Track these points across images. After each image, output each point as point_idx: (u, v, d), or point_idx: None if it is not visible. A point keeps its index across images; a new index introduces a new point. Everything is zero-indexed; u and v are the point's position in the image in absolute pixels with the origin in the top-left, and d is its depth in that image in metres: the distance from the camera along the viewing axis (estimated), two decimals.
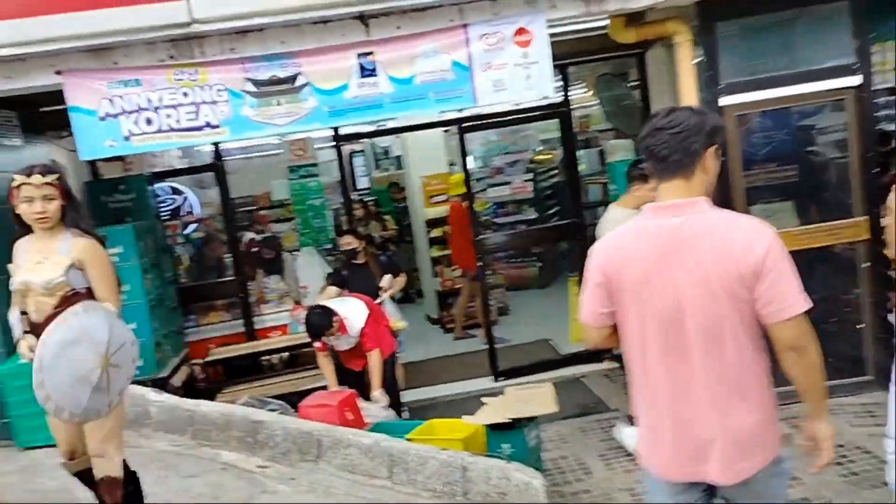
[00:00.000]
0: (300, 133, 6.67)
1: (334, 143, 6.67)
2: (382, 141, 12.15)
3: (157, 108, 4.42)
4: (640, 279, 2.08)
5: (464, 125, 6.58)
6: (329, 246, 7.95)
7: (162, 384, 5.36)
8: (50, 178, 3.02)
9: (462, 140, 6.51)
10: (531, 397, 4.17)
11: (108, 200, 5.97)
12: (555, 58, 4.80)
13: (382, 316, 5.55)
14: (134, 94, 4.39)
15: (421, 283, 9.52)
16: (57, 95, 4.40)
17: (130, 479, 3.24)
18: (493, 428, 3.99)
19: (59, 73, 4.31)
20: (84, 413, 2.97)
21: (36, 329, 3.04)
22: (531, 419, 4.00)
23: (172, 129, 4.45)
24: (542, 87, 4.73)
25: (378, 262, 6.13)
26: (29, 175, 3.00)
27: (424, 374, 7.02)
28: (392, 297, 6.05)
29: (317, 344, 5.07)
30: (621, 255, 2.14)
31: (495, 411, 4.01)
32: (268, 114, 4.51)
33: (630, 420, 4.68)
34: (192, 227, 7.34)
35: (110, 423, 3.09)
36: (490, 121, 6.86)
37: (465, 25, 4.59)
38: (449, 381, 6.74)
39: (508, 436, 3.93)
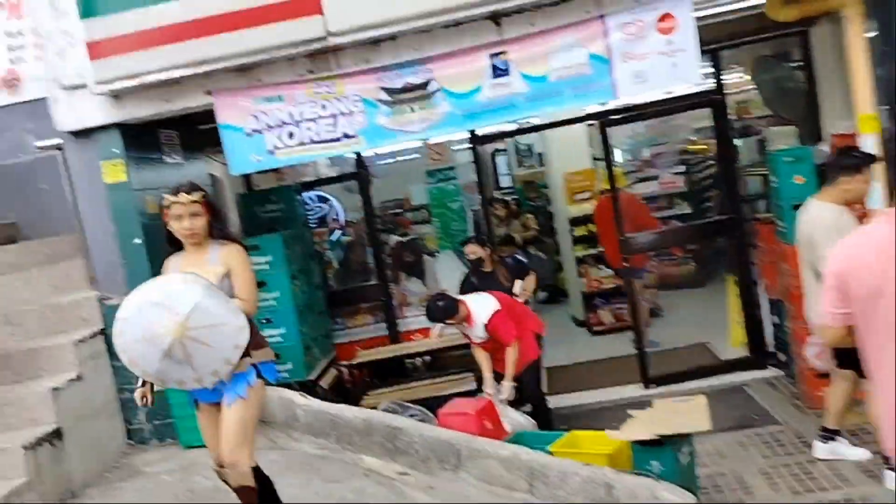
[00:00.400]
0: (437, 138, 6.69)
1: (471, 146, 6.60)
2: (526, 138, 12.00)
3: (298, 122, 4.56)
4: (872, 292, 1.99)
5: (608, 119, 6.30)
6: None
7: (311, 386, 5.55)
8: (196, 195, 3.16)
9: (604, 134, 6.22)
10: (683, 410, 3.87)
11: (260, 211, 6.27)
12: (704, 42, 4.47)
13: (526, 318, 5.42)
14: (277, 110, 4.56)
15: (566, 283, 9.27)
16: (210, 114, 4.66)
17: (265, 488, 3.23)
18: (641, 443, 3.74)
19: (209, 93, 4.56)
20: (157, 376, 2.98)
21: None
22: (683, 435, 3.71)
23: (313, 142, 4.58)
24: (688, 74, 4.43)
25: (505, 266, 6.01)
26: (176, 194, 3.15)
27: (568, 380, 6.80)
28: (526, 302, 5.91)
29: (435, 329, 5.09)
30: (855, 264, 2.06)
31: (643, 426, 3.75)
32: (401, 121, 4.52)
33: (825, 434, 4.30)
34: (337, 233, 7.59)
35: (241, 434, 3.12)
36: (635, 113, 6.50)
37: (602, 16, 4.37)
38: (595, 388, 6.47)
39: (657, 452, 3.66)
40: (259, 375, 3.18)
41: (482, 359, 5.27)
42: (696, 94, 5.96)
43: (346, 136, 4.54)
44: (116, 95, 4.58)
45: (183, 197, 3.14)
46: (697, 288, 9.09)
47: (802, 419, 4.93)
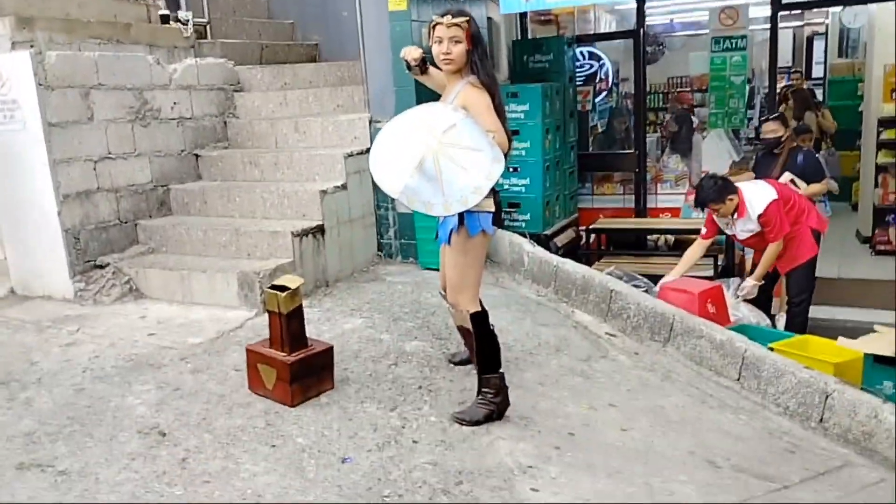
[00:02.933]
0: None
1: (770, 15, 5.85)
2: (856, 21, 10.32)
3: None
4: None
5: None
6: (741, 129, 7.24)
7: (545, 241, 5.68)
8: (459, 20, 3.05)
9: None
10: None
11: (529, 59, 6.26)
12: None
13: (806, 213, 4.92)
14: None
15: (859, 195, 8.17)
16: None
17: (483, 332, 3.14)
18: (877, 360, 3.33)
19: None
20: (406, 193, 2.84)
21: None
22: None
23: None
24: None
25: (794, 159, 5.41)
26: (442, 16, 3.08)
27: (832, 293, 6.19)
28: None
29: (705, 229, 4.88)
30: None
31: (883, 341, 3.33)
32: None
33: None
34: (603, 94, 7.35)
35: (456, 278, 3.10)
36: None
37: None
38: (858, 307, 5.81)
39: (893, 372, 3.25)
40: (474, 226, 3.01)
41: (689, 256, 4.95)
42: None
43: None
44: None
45: (447, 19, 3.05)
46: None
47: None
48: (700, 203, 4.79)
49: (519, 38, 6.71)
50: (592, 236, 6.32)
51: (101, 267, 4.81)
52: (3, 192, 4.72)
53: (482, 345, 3.12)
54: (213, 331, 4.09)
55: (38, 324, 4.28)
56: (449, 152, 2.81)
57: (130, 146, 5.04)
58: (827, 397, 3.25)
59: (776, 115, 5.66)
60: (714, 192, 4.63)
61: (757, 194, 4.68)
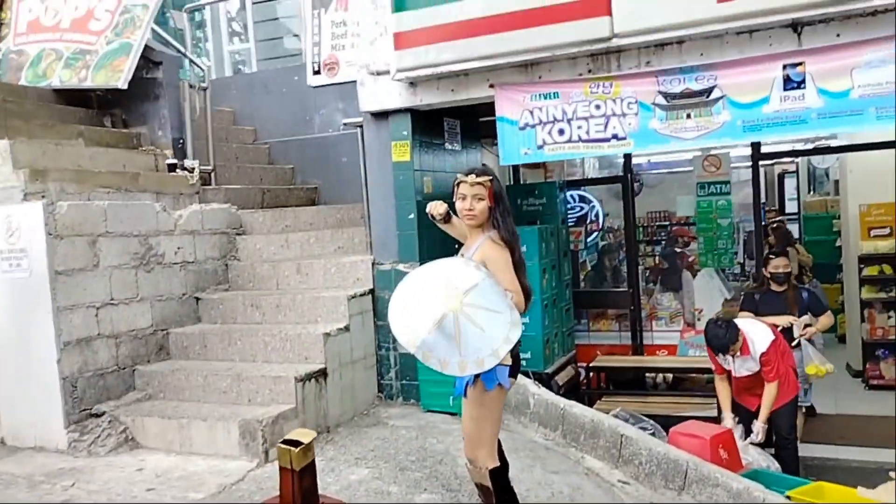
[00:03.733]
0: (716, 149, 6.38)
1: (751, 163, 6.19)
2: (823, 162, 10.94)
3: (569, 120, 4.66)
4: None
5: None
6: (731, 269, 7.47)
7: (547, 380, 5.66)
8: (482, 179, 3.18)
9: None
10: None
11: (524, 203, 6.51)
12: None
13: (789, 354, 5.05)
14: (551, 106, 4.71)
15: (846, 327, 8.32)
16: (489, 107, 4.95)
17: (503, 488, 3.16)
18: None
19: (491, 86, 4.84)
20: (423, 349, 2.85)
21: None
22: None
23: (581, 140, 4.65)
24: None
25: (799, 294, 5.56)
26: (467, 175, 3.22)
27: (827, 430, 6.19)
28: (810, 340, 5.43)
29: (713, 366, 4.92)
30: None
31: None
32: (675, 127, 4.41)
33: None
34: (594, 234, 7.60)
35: (473, 431, 3.11)
36: None
37: None
38: (858, 445, 5.78)
39: None
40: (491, 379, 3.02)
41: (723, 392, 5.01)
42: None
43: (616, 137, 4.55)
44: (412, 83, 5.05)
45: (471, 178, 3.18)
46: None
47: None
48: (720, 350, 4.85)
49: (512, 182, 7.00)
50: (591, 374, 6.33)
51: (97, 415, 4.69)
52: (3, 339, 4.67)
53: (502, 501, 3.05)
54: (213, 485, 3.95)
55: (30, 478, 4.11)
56: (469, 312, 2.85)
57: (133, 291, 5.06)
58: None
59: (781, 250, 5.86)
60: (727, 337, 4.74)
61: (758, 334, 4.78)
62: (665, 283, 7.02)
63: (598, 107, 4.58)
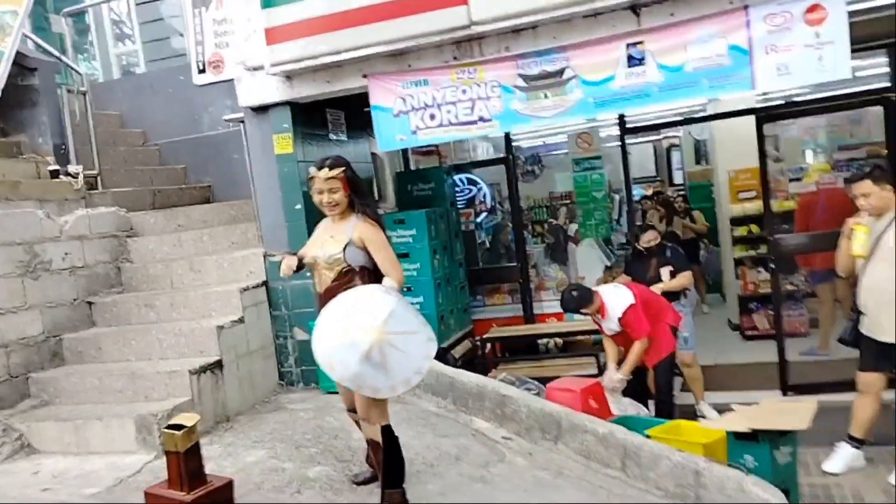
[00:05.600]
0: (586, 125, 6.80)
1: (619, 136, 6.64)
2: (701, 134, 11.64)
3: (439, 105, 4.93)
4: None
5: (763, 114, 6.06)
6: (617, 239, 7.98)
7: (443, 353, 5.94)
8: (334, 171, 3.36)
9: (760, 130, 6.00)
10: (788, 410, 3.79)
11: (413, 188, 6.76)
12: (879, 37, 4.23)
13: (664, 311, 5.45)
14: (422, 93, 4.95)
15: (724, 285, 8.97)
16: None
17: (392, 445, 3.37)
18: (737, 437, 3.71)
19: (365, 76, 5.05)
20: (354, 380, 3.07)
21: (319, 299, 3.44)
22: (782, 433, 3.63)
23: (451, 124, 4.92)
24: (836, 69, 4.22)
25: (662, 254, 6.03)
26: (319, 169, 3.40)
27: (712, 379, 6.68)
28: (683, 294, 5.94)
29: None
30: None
31: (740, 420, 3.72)
32: (535, 107, 4.74)
33: (852, 441, 4.19)
34: (483, 214, 7.94)
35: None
36: (795, 109, 6.20)
37: (745, 7, 4.30)
38: (730, 390, 6.31)
39: (752, 448, 3.62)
40: None
41: (609, 348, 5.40)
42: (867, 91, 5.58)
43: (482, 119, 4.84)
44: (288, 76, 5.20)
45: (323, 172, 3.36)
46: None
47: None
48: (569, 310, 5.36)
49: (402, 169, 7.24)
50: (488, 345, 6.65)
51: None
52: None
53: (390, 457, 3.31)
54: (110, 479, 4.04)
55: None
56: (390, 339, 3.03)
57: (21, 300, 5.02)
58: (698, 475, 3.57)
59: (650, 225, 6.36)
60: (575, 299, 5.14)
61: (616, 299, 5.17)
62: (552, 255, 7.44)
63: (464, 91, 4.86)
